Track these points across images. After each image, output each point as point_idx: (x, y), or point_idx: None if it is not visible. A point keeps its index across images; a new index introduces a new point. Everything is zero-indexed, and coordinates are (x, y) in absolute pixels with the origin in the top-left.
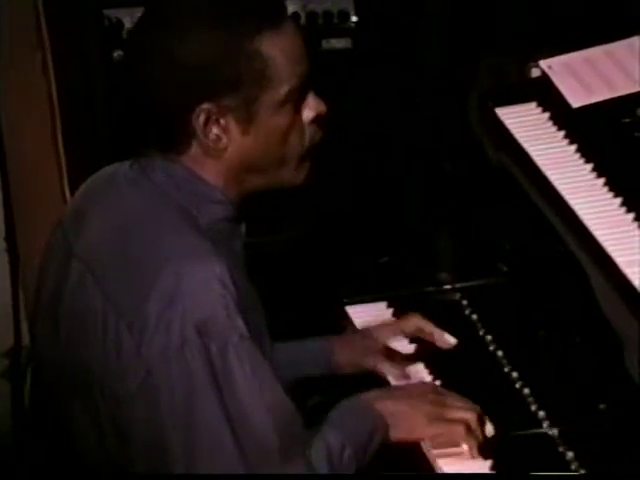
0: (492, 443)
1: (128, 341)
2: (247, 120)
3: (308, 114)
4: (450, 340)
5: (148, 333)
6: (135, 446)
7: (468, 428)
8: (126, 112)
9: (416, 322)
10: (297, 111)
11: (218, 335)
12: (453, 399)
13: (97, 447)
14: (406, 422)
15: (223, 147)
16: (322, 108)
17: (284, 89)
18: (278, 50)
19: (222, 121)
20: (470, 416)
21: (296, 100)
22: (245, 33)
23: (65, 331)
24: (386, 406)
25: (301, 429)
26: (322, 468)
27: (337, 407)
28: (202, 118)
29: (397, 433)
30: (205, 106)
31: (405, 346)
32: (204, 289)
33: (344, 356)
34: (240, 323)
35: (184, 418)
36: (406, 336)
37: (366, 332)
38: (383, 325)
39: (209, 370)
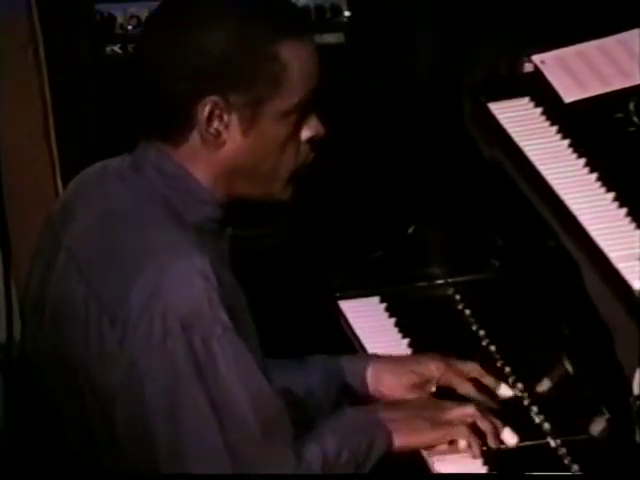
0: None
1: (110, 333)
2: (250, 121)
3: (307, 133)
4: (507, 392)
5: (130, 326)
6: (122, 440)
7: (470, 427)
8: (127, 99)
9: (470, 391)
10: (298, 127)
11: (201, 328)
12: (450, 403)
13: (86, 443)
14: (409, 427)
15: (221, 143)
16: (321, 130)
17: (293, 99)
18: (295, 59)
19: (225, 117)
20: (469, 411)
21: (299, 115)
22: (268, 35)
23: (50, 322)
24: (388, 414)
25: (286, 421)
26: (315, 468)
27: (337, 414)
28: (207, 110)
29: (401, 438)
30: (213, 98)
31: (398, 341)
32: (186, 283)
33: (389, 388)
34: (223, 316)
35: (169, 410)
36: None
37: (415, 366)
38: (436, 365)
39: (192, 362)
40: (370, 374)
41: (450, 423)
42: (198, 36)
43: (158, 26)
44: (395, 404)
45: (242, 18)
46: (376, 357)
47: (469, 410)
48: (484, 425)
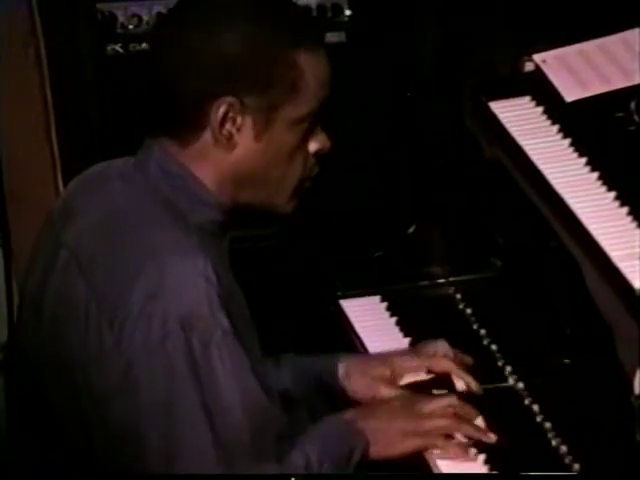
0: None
1: (109, 334)
2: (263, 126)
3: (314, 145)
4: (476, 388)
5: (129, 326)
6: (117, 439)
7: (445, 434)
8: (129, 98)
9: (447, 366)
10: (307, 137)
11: (201, 330)
12: (428, 406)
13: (83, 442)
14: (384, 439)
15: (232, 145)
16: (327, 144)
17: (306, 108)
18: (311, 68)
19: (239, 119)
20: (445, 423)
21: (310, 124)
22: (289, 41)
23: (49, 321)
24: (367, 423)
25: (277, 430)
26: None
27: (319, 424)
28: (222, 110)
29: (376, 449)
30: (228, 99)
31: (399, 340)
32: (187, 284)
33: (358, 383)
34: (223, 318)
35: (163, 411)
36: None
37: (385, 360)
38: (408, 357)
39: (190, 364)
40: (340, 371)
41: (427, 434)
42: (215, 35)
43: (175, 24)
44: (372, 411)
45: (261, 21)
46: (350, 355)
47: (444, 422)
48: (463, 431)
